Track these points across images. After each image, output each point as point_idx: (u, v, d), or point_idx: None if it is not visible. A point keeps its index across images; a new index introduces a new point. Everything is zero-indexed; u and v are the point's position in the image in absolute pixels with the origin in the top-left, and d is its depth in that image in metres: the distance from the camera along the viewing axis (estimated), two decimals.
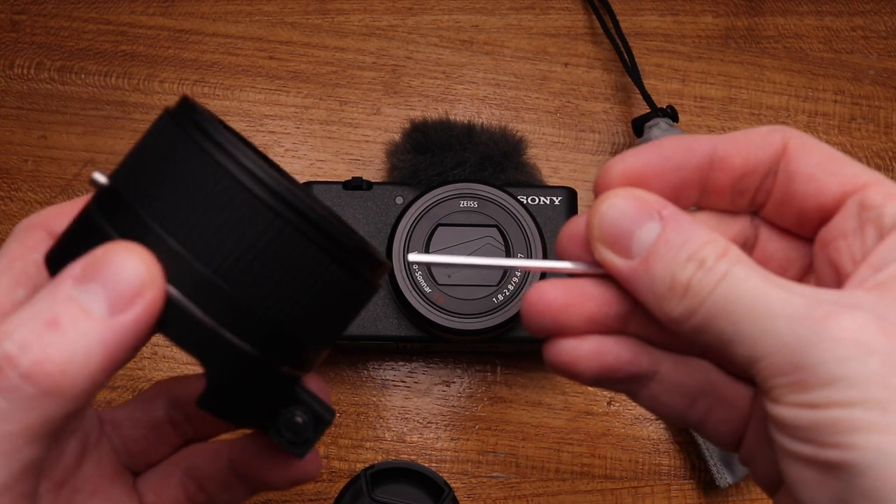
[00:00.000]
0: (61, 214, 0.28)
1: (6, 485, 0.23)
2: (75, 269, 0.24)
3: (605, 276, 0.27)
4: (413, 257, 0.27)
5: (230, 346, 0.25)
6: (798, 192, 0.27)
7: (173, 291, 0.24)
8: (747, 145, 0.27)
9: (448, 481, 0.47)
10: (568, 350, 0.27)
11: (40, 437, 0.23)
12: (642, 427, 0.51)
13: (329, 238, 0.25)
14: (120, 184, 0.25)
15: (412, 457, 0.50)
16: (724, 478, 0.48)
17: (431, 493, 0.46)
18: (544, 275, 0.45)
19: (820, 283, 0.27)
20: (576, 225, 0.28)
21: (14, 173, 0.53)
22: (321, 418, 0.27)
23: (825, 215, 0.27)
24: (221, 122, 0.27)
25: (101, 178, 0.25)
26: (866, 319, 0.22)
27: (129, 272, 0.23)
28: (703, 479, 0.50)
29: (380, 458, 0.49)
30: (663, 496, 0.50)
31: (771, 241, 0.29)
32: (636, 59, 0.54)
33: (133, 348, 0.24)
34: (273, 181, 0.24)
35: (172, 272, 0.24)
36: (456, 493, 0.46)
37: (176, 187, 0.24)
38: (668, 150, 0.27)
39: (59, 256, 0.25)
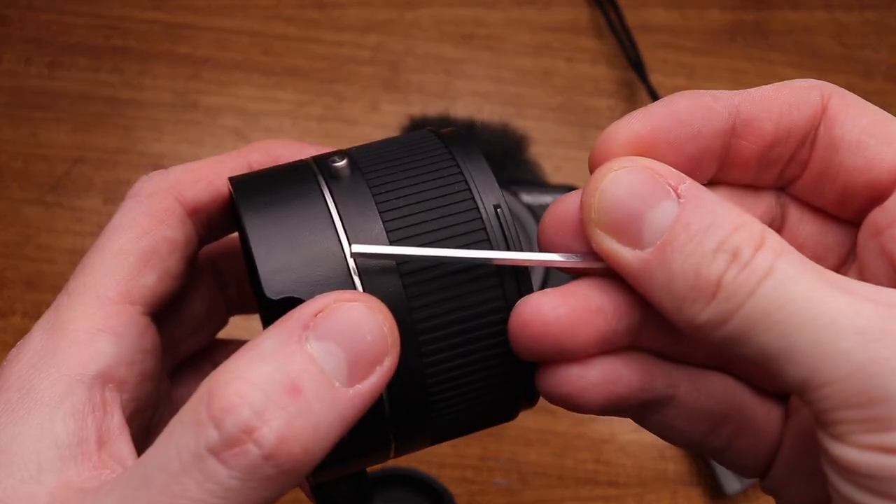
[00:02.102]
0: (197, 179, 0.25)
1: None
2: (307, 315, 0.20)
3: (607, 272, 0.21)
4: (357, 248, 0.21)
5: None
6: (843, 164, 0.22)
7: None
8: (779, 105, 0.22)
9: (448, 488, 0.46)
10: (572, 379, 0.22)
11: None
12: (648, 432, 0.50)
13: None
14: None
15: (412, 463, 0.49)
16: (731, 484, 0.48)
17: (431, 500, 0.45)
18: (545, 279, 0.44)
19: (867, 277, 0.22)
20: (566, 205, 0.22)
21: (3, 171, 0.52)
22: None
23: (877, 194, 0.22)
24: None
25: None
26: None
27: (372, 334, 0.20)
28: (710, 486, 0.49)
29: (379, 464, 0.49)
30: (669, 503, 0.49)
31: (803, 224, 0.23)
32: (641, 54, 0.54)
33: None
34: None
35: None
36: (457, 500, 0.46)
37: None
38: (683, 111, 0.22)
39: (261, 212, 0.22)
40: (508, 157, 0.50)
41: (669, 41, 0.57)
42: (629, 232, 0.20)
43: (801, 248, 0.21)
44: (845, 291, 0.19)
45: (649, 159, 0.21)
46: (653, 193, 0.20)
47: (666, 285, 0.20)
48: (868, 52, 0.57)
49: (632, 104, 0.55)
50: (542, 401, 0.50)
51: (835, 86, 0.22)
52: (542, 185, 0.50)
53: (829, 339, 0.18)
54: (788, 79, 0.59)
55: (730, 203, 0.20)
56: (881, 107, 0.59)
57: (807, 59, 0.57)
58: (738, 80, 0.56)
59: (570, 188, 0.49)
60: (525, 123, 0.54)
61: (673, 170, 0.21)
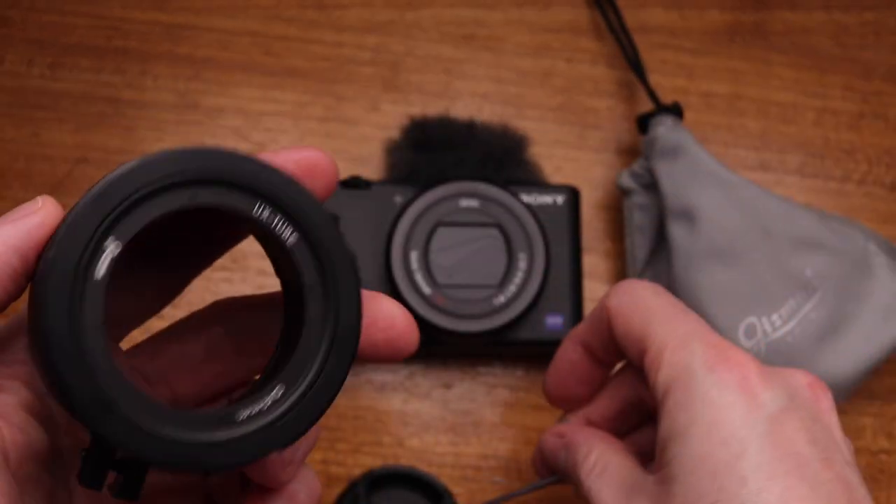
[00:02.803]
0: None
1: None
2: None
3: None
4: None
5: None
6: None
7: None
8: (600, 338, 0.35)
9: (448, 486, 0.47)
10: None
11: None
12: None
13: None
14: None
15: (411, 462, 0.49)
16: None
17: (431, 499, 0.45)
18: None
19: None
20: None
21: (5, 171, 0.53)
22: None
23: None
24: None
25: None
26: None
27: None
28: None
29: (378, 462, 0.49)
30: None
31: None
32: (641, 55, 0.54)
33: None
34: None
35: None
36: (457, 499, 0.46)
37: None
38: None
39: None
40: (508, 157, 0.50)
41: (668, 42, 0.57)
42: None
43: None
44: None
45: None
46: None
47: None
48: (867, 53, 0.57)
49: (631, 104, 0.55)
50: (543, 400, 0.50)
51: (614, 293, 0.34)
52: (541, 185, 0.50)
53: None
54: (787, 79, 0.59)
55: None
56: (880, 105, 0.59)
57: (805, 59, 0.57)
58: (737, 81, 0.56)
59: (569, 188, 0.49)
60: (525, 124, 0.54)
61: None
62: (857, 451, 0.50)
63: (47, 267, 0.20)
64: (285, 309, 0.24)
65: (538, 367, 0.50)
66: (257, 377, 0.26)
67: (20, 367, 0.24)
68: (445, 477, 0.49)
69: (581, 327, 0.37)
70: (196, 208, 0.22)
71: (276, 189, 0.22)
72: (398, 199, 0.48)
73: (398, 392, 0.50)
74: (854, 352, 0.46)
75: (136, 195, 0.21)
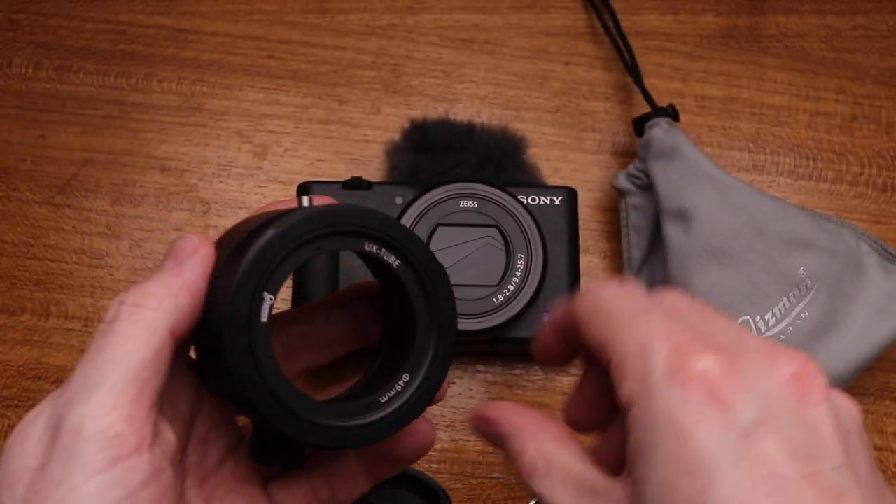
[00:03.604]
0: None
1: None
2: None
3: None
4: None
5: None
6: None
7: None
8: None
9: (448, 483, 0.46)
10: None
11: None
12: None
13: None
14: None
15: None
16: None
17: (428, 500, 0.45)
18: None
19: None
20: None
21: (12, 173, 0.53)
22: None
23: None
24: None
25: None
26: None
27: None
28: None
29: None
30: None
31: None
32: (637, 59, 0.54)
33: None
34: None
35: None
36: (456, 495, 0.46)
37: None
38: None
39: None
40: (507, 159, 0.50)
41: (664, 45, 0.57)
42: None
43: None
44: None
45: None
46: None
47: None
48: (859, 57, 0.57)
49: (627, 107, 0.56)
50: (541, 398, 0.50)
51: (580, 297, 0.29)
52: (539, 186, 0.49)
53: None
54: (780, 82, 0.60)
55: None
56: (872, 108, 0.60)
57: (798, 63, 0.57)
58: (732, 84, 0.57)
59: (567, 189, 0.49)
60: (523, 126, 0.54)
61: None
62: None
63: (228, 318, 0.26)
64: (392, 314, 0.32)
65: (537, 366, 0.51)
66: (368, 367, 0.32)
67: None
68: (445, 473, 0.49)
69: (548, 329, 0.32)
70: (320, 255, 0.28)
71: (378, 228, 0.29)
72: (399, 200, 0.48)
73: None
74: (846, 350, 0.46)
75: (278, 257, 0.27)
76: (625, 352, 0.26)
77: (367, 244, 0.29)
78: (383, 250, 0.29)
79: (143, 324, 0.27)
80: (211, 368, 0.29)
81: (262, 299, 0.27)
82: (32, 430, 0.26)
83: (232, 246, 0.28)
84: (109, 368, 0.26)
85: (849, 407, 0.26)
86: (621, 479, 0.26)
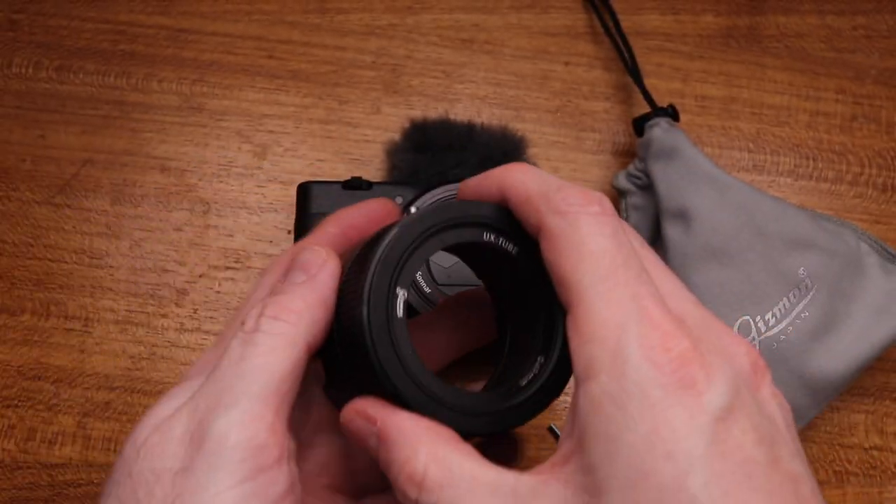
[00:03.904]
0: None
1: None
2: None
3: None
4: None
5: None
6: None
7: None
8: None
9: None
10: None
11: None
12: None
13: None
14: None
15: None
16: None
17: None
18: None
19: None
20: None
21: (12, 173, 0.53)
22: None
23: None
24: None
25: None
26: None
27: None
28: None
29: None
30: None
31: None
32: (637, 59, 0.54)
33: None
34: None
35: None
36: None
37: None
38: None
39: None
40: (507, 159, 0.50)
41: (664, 45, 0.57)
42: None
43: None
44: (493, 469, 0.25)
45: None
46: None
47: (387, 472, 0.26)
48: (859, 57, 0.57)
49: (628, 107, 0.56)
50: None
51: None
52: None
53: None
54: (780, 82, 0.60)
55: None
56: (872, 108, 0.60)
57: (798, 63, 0.57)
58: (732, 84, 0.57)
59: None
60: (523, 126, 0.54)
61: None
62: (850, 448, 0.50)
63: (366, 318, 0.27)
64: (506, 304, 0.33)
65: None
66: (497, 360, 0.33)
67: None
68: None
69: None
70: (446, 248, 0.29)
71: (494, 217, 0.29)
72: (399, 200, 0.48)
73: None
74: (846, 350, 0.46)
75: (406, 252, 0.28)
76: (594, 309, 0.24)
77: (485, 234, 0.29)
78: (501, 239, 0.30)
79: (284, 337, 0.27)
80: (351, 374, 0.29)
81: (395, 294, 0.27)
82: (171, 429, 0.26)
83: (354, 257, 0.29)
84: (253, 378, 0.26)
85: (785, 402, 0.27)
86: (552, 471, 0.24)
